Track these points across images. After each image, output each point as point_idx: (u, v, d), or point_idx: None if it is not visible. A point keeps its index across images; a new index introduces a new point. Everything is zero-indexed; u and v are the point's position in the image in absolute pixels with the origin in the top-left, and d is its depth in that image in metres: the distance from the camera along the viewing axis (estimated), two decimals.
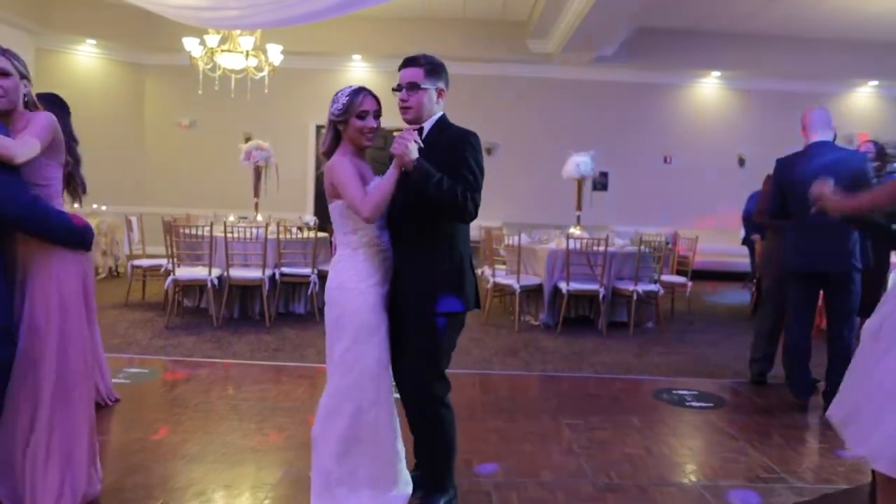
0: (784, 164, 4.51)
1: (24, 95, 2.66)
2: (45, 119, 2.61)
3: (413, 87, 2.61)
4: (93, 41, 10.93)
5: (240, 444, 3.54)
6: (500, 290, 7.00)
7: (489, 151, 11.55)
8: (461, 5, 10.26)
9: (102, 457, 3.05)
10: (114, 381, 4.53)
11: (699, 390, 4.78)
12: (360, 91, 2.64)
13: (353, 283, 2.60)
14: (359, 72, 11.81)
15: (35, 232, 2.54)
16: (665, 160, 11.69)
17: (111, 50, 11.20)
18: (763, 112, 11.39)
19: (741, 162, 11.36)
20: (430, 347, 2.60)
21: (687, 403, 4.48)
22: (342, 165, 2.59)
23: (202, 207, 9.83)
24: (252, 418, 3.92)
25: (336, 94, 2.67)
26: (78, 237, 2.68)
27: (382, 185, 2.51)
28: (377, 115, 2.64)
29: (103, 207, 9.41)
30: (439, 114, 2.69)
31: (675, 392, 4.71)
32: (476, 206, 2.52)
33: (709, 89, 11.81)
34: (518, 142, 11.54)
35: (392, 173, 2.50)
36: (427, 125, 2.66)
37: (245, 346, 5.67)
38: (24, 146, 2.48)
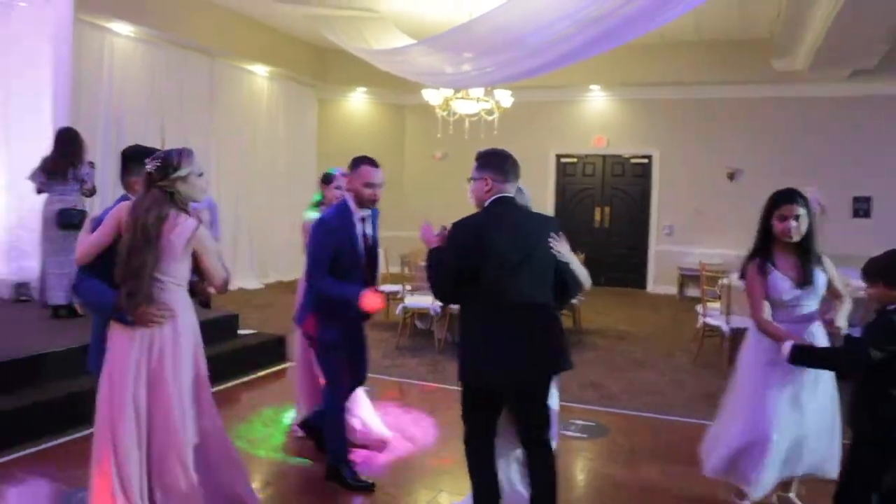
0: None
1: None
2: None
3: (470, 178, 3.10)
4: (363, 89, 12.73)
5: (415, 464, 4.18)
6: (713, 330, 6.87)
7: (731, 177, 11.10)
8: (695, 28, 10.05)
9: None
10: None
11: None
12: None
13: None
14: (597, 101, 12.10)
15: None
16: None
17: (377, 95, 12.90)
18: None
19: None
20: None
21: None
22: None
23: None
24: (435, 442, 4.55)
25: None
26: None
27: None
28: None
29: None
30: (492, 198, 3.01)
31: None
32: (436, 291, 3.06)
33: None
34: (763, 165, 10.88)
35: None
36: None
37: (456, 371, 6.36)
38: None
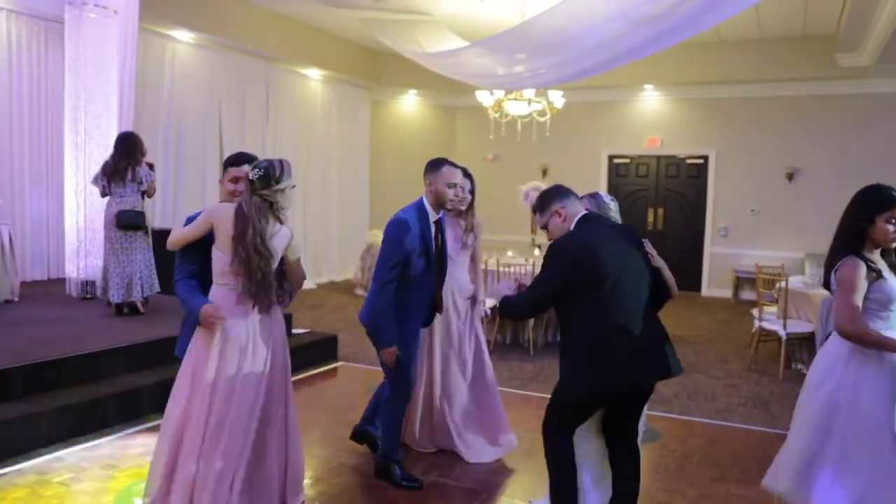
0: None
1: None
2: None
3: (543, 227, 3.13)
4: (414, 91, 12.82)
5: (475, 466, 4.20)
6: (768, 334, 6.69)
7: (790, 177, 10.80)
8: (756, 25, 9.81)
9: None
10: None
11: None
12: None
13: None
14: (651, 101, 11.91)
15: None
16: None
17: (428, 97, 12.98)
18: None
19: None
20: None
21: None
22: None
23: (501, 234, 10.87)
24: None
25: None
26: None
27: None
28: None
29: None
30: (576, 218, 3.02)
31: None
32: (529, 312, 3.25)
33: None
34: (823, 165, 10.56)
35: None
36: None
37: (505, 372, 6.36)
38: None
